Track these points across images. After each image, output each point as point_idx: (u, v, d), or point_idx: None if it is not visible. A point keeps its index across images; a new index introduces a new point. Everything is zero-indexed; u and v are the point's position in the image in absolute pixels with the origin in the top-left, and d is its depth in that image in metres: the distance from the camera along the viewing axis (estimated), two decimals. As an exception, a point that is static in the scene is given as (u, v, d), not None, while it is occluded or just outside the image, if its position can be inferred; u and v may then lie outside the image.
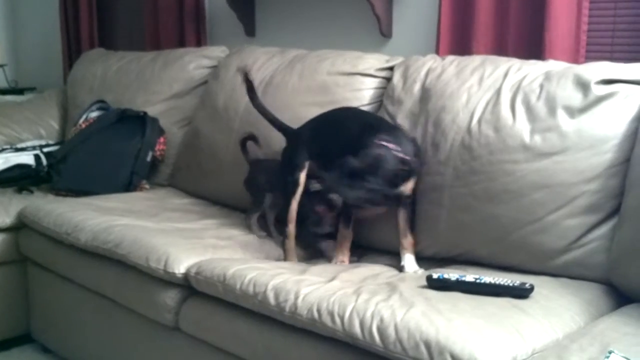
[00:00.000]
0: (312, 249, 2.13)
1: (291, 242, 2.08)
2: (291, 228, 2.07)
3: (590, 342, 1.34)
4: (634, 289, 1.61)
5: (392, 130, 1.98)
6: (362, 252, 2.09)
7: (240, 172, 2.47)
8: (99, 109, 3.06)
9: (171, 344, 2.00)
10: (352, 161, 1.81)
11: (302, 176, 2.06)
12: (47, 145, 3.08)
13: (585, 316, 1.54)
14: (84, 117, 3.04)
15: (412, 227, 1.96)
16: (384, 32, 2.67)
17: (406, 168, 1.87)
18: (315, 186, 2.03)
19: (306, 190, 2.06)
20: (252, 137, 2.37)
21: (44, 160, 2.95)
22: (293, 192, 2.06)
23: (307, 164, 2.06)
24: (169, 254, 1.95)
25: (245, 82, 2.21)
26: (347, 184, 1.80)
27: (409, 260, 1.93)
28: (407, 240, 1.95)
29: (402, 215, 1.95)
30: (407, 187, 1.91)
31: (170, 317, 1.94)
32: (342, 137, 2.01)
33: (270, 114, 2.26)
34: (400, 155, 1.85)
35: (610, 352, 1.24)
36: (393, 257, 1.98)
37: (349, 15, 2.81)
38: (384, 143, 1.85)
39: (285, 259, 2.08)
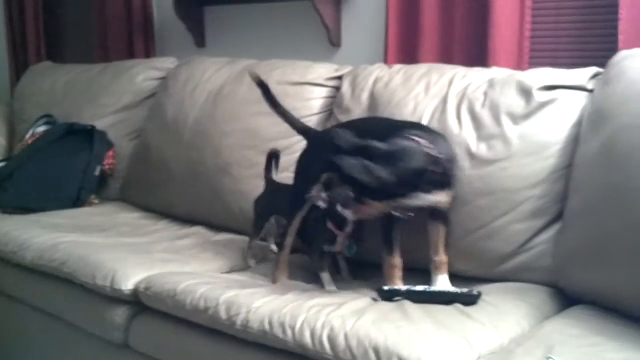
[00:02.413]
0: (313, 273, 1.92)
1: (285, 256, 1.91)
2: (289, 241, 1.89)
3: (536, 345, 1.35)
4: (579, 291, 1.64)
5: (427, 129, 1.79)
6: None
7: (189, 184, 2.46)
8: (46, 123, 3.01)
9: (121, 362, 1.96)
10: (375, 144, 1.58)
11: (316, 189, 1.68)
12: (-6, 162, 3.01)
13: (531, 319, 1.56)
14: (30, 132, 2.98)
15: (446, 244, 1.74)
16: (334, 41, 2.68)
17: (439, 170, 1.62)
18: (321, 203, 1.67)
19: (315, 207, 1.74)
20: (277, 156, 2.16)
21: (-9, 178, 2.87)
22: (301, 206, 1.83)
23: (325, 176, 1.65)
24: (116, 270, 1.92)
25: (260, 87, 2.00)
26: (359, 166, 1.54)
27: (443, 282, 1.71)
28: (440, 259, 1.72)
29: (437, 231, 1.73)
30: (443, 198, 1.68)
31: (120, 334, 1.91)
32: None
33: (291, 116, 2.06)
34: (433, 153, 1.61)
35: (548, 358, 1.26)
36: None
37: (299, 25, 2.82)
38: (415, 138, 1.62)
39: (275, 272, 1.90)
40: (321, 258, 1.86)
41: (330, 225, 1.77)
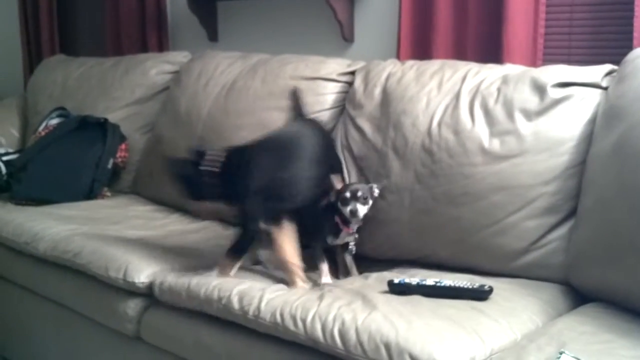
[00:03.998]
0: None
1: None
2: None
3: (548, 342, 1.35)
4: (591, 288, 1.64)
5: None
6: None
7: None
8: (59, 116, 3.02)
9: (133, 354, 1.98)
10: None
11: None
12: (7, 154, 3.02)
13: (544, 316, 1.56)
14: (43, 124, 3.00)
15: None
16: (346, 37, 2.68)
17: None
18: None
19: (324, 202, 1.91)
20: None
21: (4, 169, 2.89)
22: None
23: None
24: (129, 263, 1.93)
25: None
26: None
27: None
28: None
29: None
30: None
31: (132, 327, 1.92)
32: None
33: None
34: None
35: (561, 353, 1.26)
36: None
37: (312, 20, 2.82)
38: None
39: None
40: (322, 249, 1.89)
41: (337, 219, 1.86)
